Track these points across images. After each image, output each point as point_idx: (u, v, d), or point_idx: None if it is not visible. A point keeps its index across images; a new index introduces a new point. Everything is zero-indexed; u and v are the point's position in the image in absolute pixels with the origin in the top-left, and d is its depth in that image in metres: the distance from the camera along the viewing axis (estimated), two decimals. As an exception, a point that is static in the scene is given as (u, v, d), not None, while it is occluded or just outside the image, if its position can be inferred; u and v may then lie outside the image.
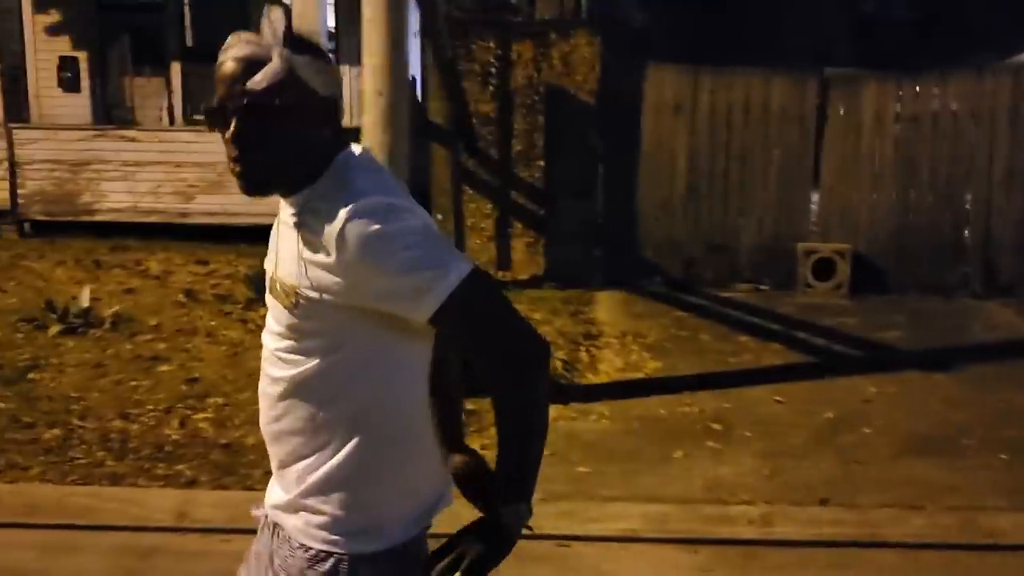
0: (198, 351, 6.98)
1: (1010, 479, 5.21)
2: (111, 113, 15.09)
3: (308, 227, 1.78)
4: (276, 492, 1.98)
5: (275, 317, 1.88)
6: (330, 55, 1.87)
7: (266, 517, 2.02)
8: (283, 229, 1.89)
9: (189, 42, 15.22)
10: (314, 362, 1.82)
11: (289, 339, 1.84)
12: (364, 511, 1.88)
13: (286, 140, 1.77)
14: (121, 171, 12.67)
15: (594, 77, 9.66)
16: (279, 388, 1.88)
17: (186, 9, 15.24)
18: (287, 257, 1.84)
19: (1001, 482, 5.17)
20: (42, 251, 11.08)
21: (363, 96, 5.86)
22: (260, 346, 1.96)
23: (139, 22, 15.30)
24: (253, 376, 2.03)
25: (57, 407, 5.88)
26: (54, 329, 7.27)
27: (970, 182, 9.73)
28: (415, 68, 21.40)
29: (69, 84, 14.86)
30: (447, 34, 8.69)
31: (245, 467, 5.03)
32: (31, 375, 6.44)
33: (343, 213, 1.71)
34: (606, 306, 9.03)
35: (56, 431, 5.51)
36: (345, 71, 14.75)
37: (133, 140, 12.78)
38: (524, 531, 1.93)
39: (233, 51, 1.76)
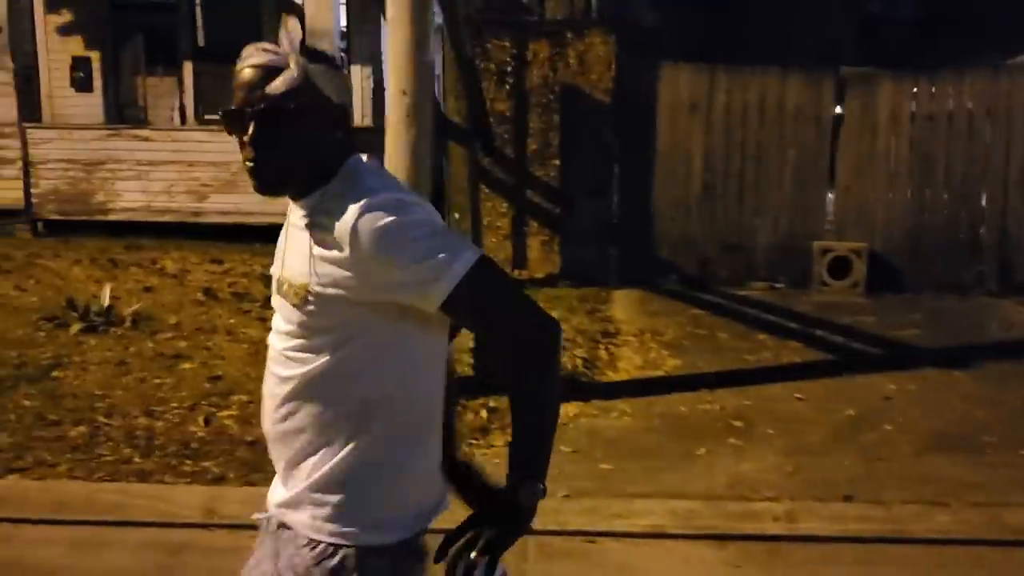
0: (219, 349, 7.01)
1: (1033, 476, 5.23)
2: (123, 113, 15.13)
3: (320, 226, 1.82)
4: (280, 491, 2.00)
5: (284, 317, 1.92)
6: (341, 65, 1.93)
7: (268, 521, 2.04)
8: (292, 232, 1.94)
9: (201, 42, 15.24)
10: (324, 359, 1.86)
11: (299, 337, 1.88)
12: (372, 504, 1.91)
13: (300, 143, 1.85)
14: (135, 170, 12.70)
15: (609, 76, 9.69)
16: (287, 387, 1.91)
17: (198, 9, 15.26)
18: (296, 257, 1.89)
19: (1024, 479, 5.19)
20: (57, 250, 11.11)
21: (387, 95, 5.86)
22: None
23: (151, 22, 15.32)
24: (275, 374, 2.05)
25: (82, 405, 5.90)
26: (75, 327, 7.30)
27: (986, 181, 9.76)
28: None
29: (81, 84, 14.90)
30: (466, 33, 8.70)
31: (272, 464, 5.04)
32: (54, 373, 6.47)
33: (355, 209, 1.77)
34: (622, 304, 9.05)
35: (82, 428, 5.53)
36: (356, 71, 14.81)
37: (147, 140, 12.81)
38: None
39: (252, 59, 1.85)
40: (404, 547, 1.93)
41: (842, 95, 9.80)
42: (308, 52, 1.85)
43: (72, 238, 11.85)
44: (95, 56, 15.00)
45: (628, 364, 7.15)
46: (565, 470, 5.22)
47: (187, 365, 6.67)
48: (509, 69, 9.72)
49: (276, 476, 2.05)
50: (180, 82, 15.10)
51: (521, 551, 4.39)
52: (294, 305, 1.87)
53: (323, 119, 1.86)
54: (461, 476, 2.07)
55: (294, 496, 1.94)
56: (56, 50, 14.84)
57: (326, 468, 1.90)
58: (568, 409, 6.10)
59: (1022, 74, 9.75)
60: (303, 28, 12.39)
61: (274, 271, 1.99)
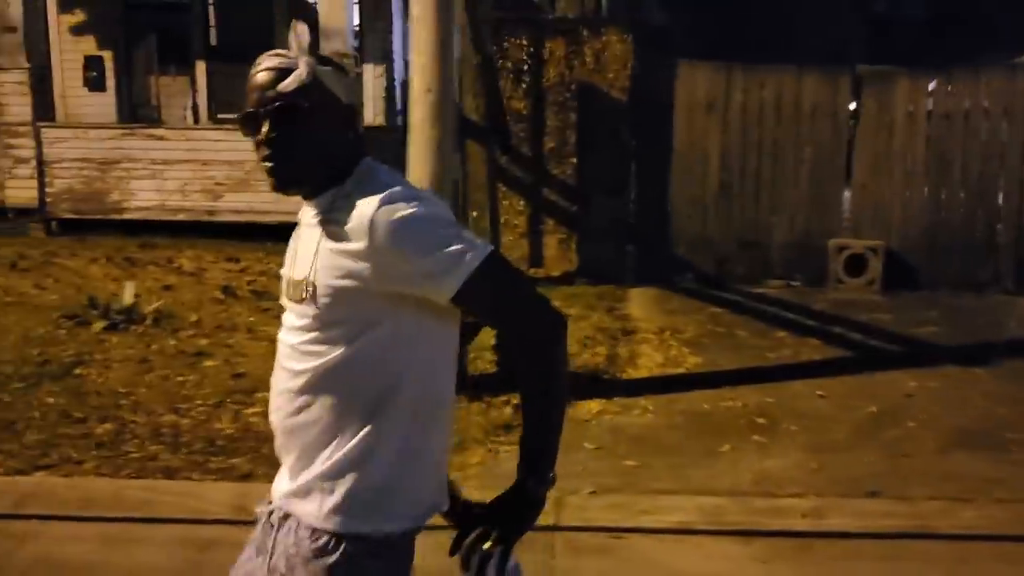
0: (240, 347, 7.04)
1: (1057, 473, 5.23)
2: (136, 112, 15.18)
3: (336, 221, 1.88)
4: (286, 482, 2.02)
5: (297, 312, 1.96)
6: (351, 66, 2.01)
7: (270, 514, 2.06)
8: (304, 231, 2.00)
9: (214, 41, 15.30)
10: (339, 351, 1.90)
11: (314, 330, 1.92)
12: (381, 493, 1.94)
13: (312, 141, 1.92)
14: (149, 169, 12.72)
15: (626, 74, 9.70)
16: (300, 381, 1.94)
17: (211, 8, 15.30)
18: (307, 254, 1.95)
19: (1048, 476, 5.19)
20: (73, 249, 11.15)
21: (411, 93, 5.89)
22: None
23: (164, 21, 15.38)
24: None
25: (107, 402, 5.93)
26: (97, 325, 7.34)
27: (1002, 179, 9.74)
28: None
29: (94, 83, 14.96)
30: (485, 32, 8.72)
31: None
32: (77, 371, 6.50)
33: (373, 202, 1.84)
34: (640, 302, 9.06)
35: (108, 425, 5.55)
36: (368, 69, 14.84)
37: (161, 139, 12.82)
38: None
39: (264, 64, 1.94)
40: (408, 537, 1.99)
41: (858, 93, 9.79)
42: (317, 55, 1.94)
43: (87, 237, 11.88)
44: (108, 56, 15.06)
45: (649, 362, 7.16)
46: (589, 467, 5.25)
47: (210, 363, 6.70)
48: (526, 67, 9.74)
49: (282, 469, 2.07)
50: (193, 81, 15.16)
51: (548, 546, 4.41)
52: (309, 298, 1.91)
53: (333, 118, 1.94)
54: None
55: (303, 485, 1.97)
56: (69, 50, 14.90)
57: (338, 457, 1.93)
58: (591, 406, 6.12)
59: (1039, 72, 9.75)
60: (316, 28, 12.42)
61: (284, 271, 2.04)
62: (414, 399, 1.94)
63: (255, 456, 5.14)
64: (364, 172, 1.96)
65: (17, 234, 12.21)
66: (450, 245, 1.84)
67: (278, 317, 2.06)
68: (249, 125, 1.94)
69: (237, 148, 12.08)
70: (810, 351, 7.54)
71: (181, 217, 12.62)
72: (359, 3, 14.83)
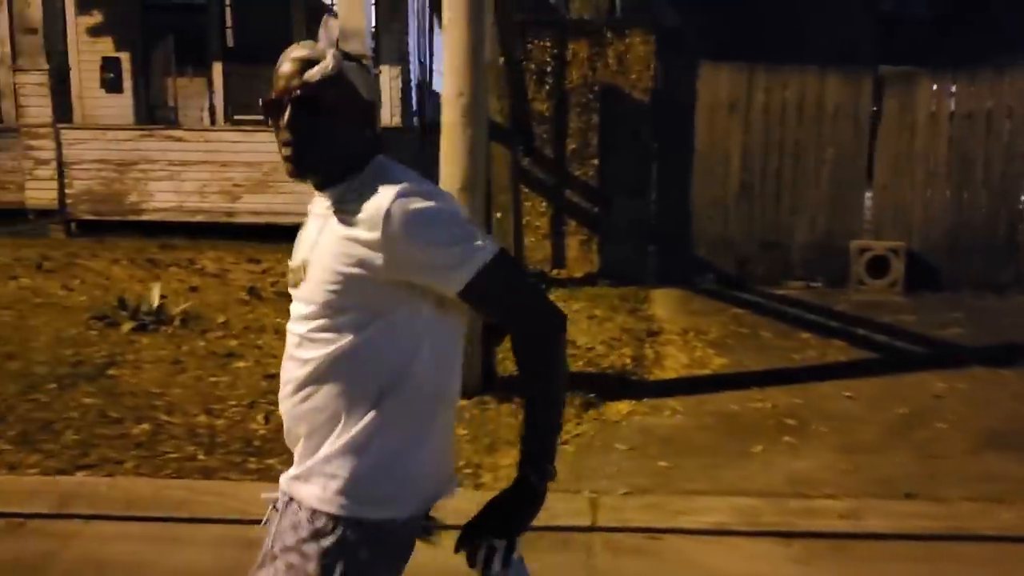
0: (270, 347, 7.06)
1: (1091, 474, 5.24)
2: (153, 113, 15.26)
3: (350, 211, 1.93)
4: (292, 468, 2.08)
5: (306, 300, 2.01)
6: (369, 67, 2.08)
7: (273, 507, 2.12)
8: (312, 221, 2.06)
9: (231, 43, 15.35)
10: (347, 339, 1.95)
11: (322, 318, 1.97)
12: (382, 478, 1.98)
13: (332, 132, 1.98)
14: (168, 171, 12.78)
15: (648, 76, 9.74)
16: (309, 368, 1.99)
17: (228, 10, 15.35)
18: (308, 240, 2.02)
19: (1082, 477, 5.20)
20: (93, 250, 11.19)
21: (443, 96, 5.92)
22: None
23: (181, 23, 15.44)
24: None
25: (141, 403, 5.96)
26: (127, 326, 7.38)
27: (1025, 180, 9.75)
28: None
29: (112, 85, 15.04)
30: (511, 33, 8.75)
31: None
32: (110, 371, 6.53)
33: (389, 193, 1.90)
34: (662, 303, 9.09)
35: (144, 426, 5.59)
36: (385, 71, 14.88)
37: (180, 140, 12.87)
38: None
39: (292, 54, 2.00)
40: (407, 526, 2.03)
41: (879, 94, 9.80)
42: (343, 51, 2.00)
43: (106, 238, 11.94)
44: (125, 57, 15.14)
45: (675, 363, 7.18)
46: (623, 467, 5.27)
47: (241, 364, 6.73)
48: (549, 69, 9.78)
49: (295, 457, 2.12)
50: (210, 83, 15.22)
51: (586, 547, 4.44)
52: (318, 286, 1.96)
53: (354, 113, 1.99)
54: None
55: (306, 468, 2.02)
56: (86, 51, 14.99)
57: (341, 443, 1.98)
58: (620, 407, 6.15)
59: (1062, 73, 9.75)
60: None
61: (293, 262, 2.08)
62: (419, 389, 1.99)
63: (291, 457, 5.14)
64: (378, 167, 2.01)
65: (38, 235, 12.27)
66: (461, 241, 1.91)
67: (302, 317, 2.08)
68: (272, 111, 1.99)
69: (255, 149, 12.14)
70: (835, 352, 7.56)
71: (200, 218, 12.67)
72: (375, 5, 14.88)
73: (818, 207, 9.91)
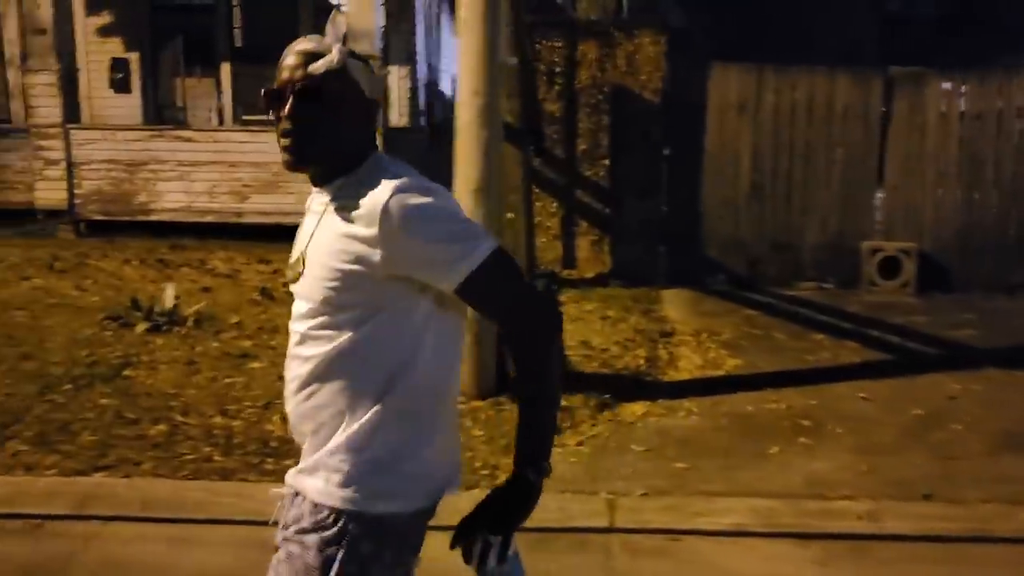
0: (284, 348, 6.87)
1: (1109, 475, 5.23)
2: (162, 113, 15.26)
3: (347, 207, 1.94)
4: (300, 462, 2.09)
5: (306, 297, 2.02)
6: (377, 67, 2.09)
7: (282, 503, 2.13)
8: (310, 219, 2.07)
9: (239, 43, 15.34)
10: (347, 335, 1.96)
11: (322, 315, 1.98)
12: (385, 472, 2.00)
13: (332, 126, 1.99)
14: (177, 171, 12.77)
15: (659, 76, 9.74)
16: (310, 366, 2.01)
17: (236, 10, 15.34)
18: (318, 238, 2.01)
19: (1101, 478, 5.19)
20: (104, 250, 11.19)
21: (459, 96, 5.92)
22: None
23: (189, 23, 15.43)
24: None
25: (157, 404, 5.96)
26: (141, 327, 7.38)
27: (1036, 180, 9.75)
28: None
29: (120, 85, 15.04)
30: (524, 34, 8.76)
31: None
32: (126, 372, 6.54)
33: (386, 189, 1.90)
34: (674, 304, 9.09)
35: (161, 427, 5.59)
36: (393, 71, 14.89)
37: (189, 140, 12.87)
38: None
39: (298, 47, 2.01)
40: (407, 519, 2.03)
41: (889, 94, 9.80)
42: (349, 48, 2.00)
43: (115, 238, 11.94)
44: (134, 57, 15.14)
45: (688, 364, 7.18)
46: (639, 468, 5.27)
47: (255, 364, 6.74)
48: (559, 70, 9.78)
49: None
50: (218, 83, 15.22)
51: (604, 548, 4.45)
52: (317, 283, 1.97)
53: (355, 108, 2.01)
54: None
55: (311, 462, 2.03)
56: (95, 51, 14.98)
57: (344, 438, 1.99)
58: (635, 408, 6.15)
59: (1072, 73, 9.74)
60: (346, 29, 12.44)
61: (292, 259, 2.09)
62: (420, 386, 2.00)
63: (309, 457, 5.16)
64: (376, 163, 2.02)
65: (47, 235, 12.28)
66: (459, 237, 1.92)
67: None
68: (274, 102, 2.00)
69: (264, 150, 12.14)
70: (849, 354, 7.55)
71: (209, 219, 12.67)
72: (384, 5, 14.87)
73: (829, 208, 9.91)
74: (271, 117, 2.01)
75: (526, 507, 2.02)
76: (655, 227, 9.94)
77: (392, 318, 1.96)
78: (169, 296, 7.78)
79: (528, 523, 4.68)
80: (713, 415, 6.14)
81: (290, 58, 1.99)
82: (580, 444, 5.59)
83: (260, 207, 12.56)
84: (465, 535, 2.02)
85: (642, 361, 7.09)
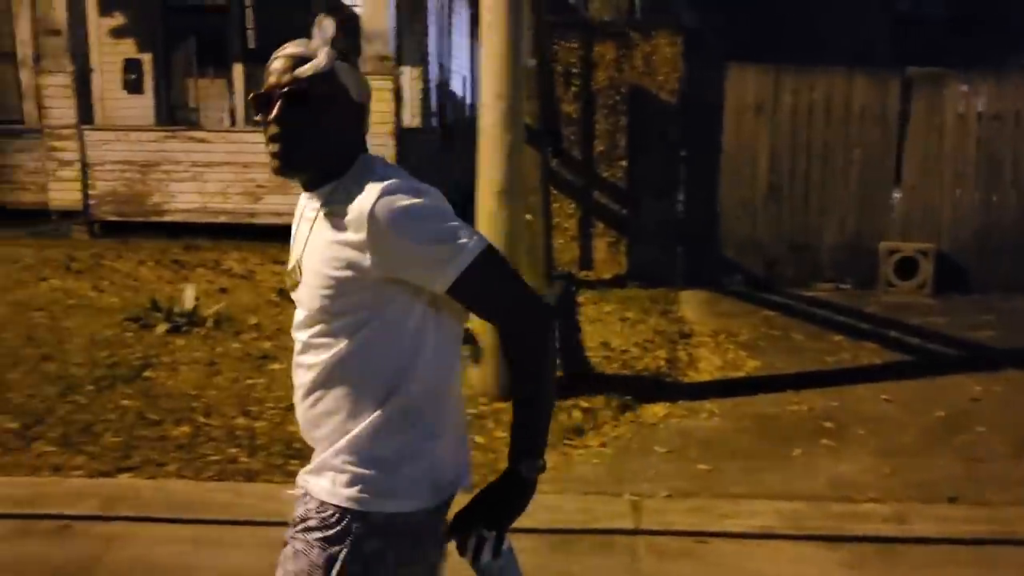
0: (303, 350, 7.05)
1: None
2: (174, 114, 15.27)
3: (337, 213, 1.94)
4: (310, 463, 2.11)
5: (304, 306, 2.03)
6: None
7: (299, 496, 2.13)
8: (303, 225, 2.06)
9: (251, 44, 15.34)
10: (344, 342, 1.97)
11: (320, 323, 1.99)
12: (389, 472, 2.00)
13: (319, 130, 1.97)
14: (190, 172, 12.77)
15: (676, 77, 9.72)
16: (313, 374, 2.02)
17: (248, 11, 15.35)
18: (311, 246, 2.00)
19: None
20: (118, 251, 11.19)
21: (481, 99, 5.91)
22: None
23: (202, 24, 15.43)
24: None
25: (179, 405, 5.97)
26: (161, 328, 7.39)
27: (1054, 180, 9.72)
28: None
29: (133, 86, 15.05)
30: (543, 35, 8.75)
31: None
32: (146, 373, 6.55)
33: (373, 192, 1.89)
34: (691, 305, 9.08)
35: (184, 428, 5.60)
36: (406, 72, 14.88)
37: (202, 141, 12.86)
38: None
39: (286, 51, 2.00)
40: (411, 518, 2.03)
41: (907, 95, 9.77)
42: (337, 51, 1.98)
43: (129, 239, 11.94)
44: (147, 58, 15.15)
45: (708, 365, 7.17)
46: (662, 470, 5.27)
47: (276, 365, 6.73)
48: (576, 71, 9.77)
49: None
50: (230, 84, 15.22)
51: (630, 549, 4.44)
52: (312, 291, 1.98)
53: (343, 112, 2.00)
54: None
55: (318, 463, 2.06)
56: (108, 52, 15.00)
57: (349, 438, 2.00)
58: (656, 410, 6.15)
59: (1090, 73, 9.72)
60: (357, 30, 12.47)
61: (289, 265, 2.10)
62: (422, 387, 2.00)
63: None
64: (363, 165, 2.01)
65: (60, 236, 12.29)
66: (448, 237, 1.90)
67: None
68: (261, 106, 1.99)
69: (276, 150, 12.10)
70: (869, 355, 7.53)
71: (223, 219, 12.66)
72: (396, 7, 14.85)
73: (846, 208, 9.89)
74: (260, 121, 2.00)
75: (520, 503, 2.03)
76: (672, 228, 9.93)
77: (388, 322, 1.96)
78: (188, 297, 7.79)
79: (552, 524, 4.68)
80: (735, 417, 6.13)
81: (277, 62, 1.98)
82: (603, 445, 5.59)
83: (273, 207, 12.54)
84: (460, 529, 2.03)
85: (662, 362, 7.09)
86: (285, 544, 2.08)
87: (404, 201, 1.87)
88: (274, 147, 1.98)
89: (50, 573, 4.14)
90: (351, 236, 1.89)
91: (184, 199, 12.76)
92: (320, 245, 1.96)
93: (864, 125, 9.78)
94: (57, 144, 12.76)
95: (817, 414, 6.17)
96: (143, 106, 15.10)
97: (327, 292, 1.94)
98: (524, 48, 5.85)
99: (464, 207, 10.35)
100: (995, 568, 4.38)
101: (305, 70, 1.94)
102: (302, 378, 2.06)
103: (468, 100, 20.44)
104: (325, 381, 2.00)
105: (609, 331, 7.91)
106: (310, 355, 2.02)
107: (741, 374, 7.04)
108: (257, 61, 14.88)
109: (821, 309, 9.02)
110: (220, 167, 12.71)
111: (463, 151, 17.76)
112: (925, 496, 4.99)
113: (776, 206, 9.94)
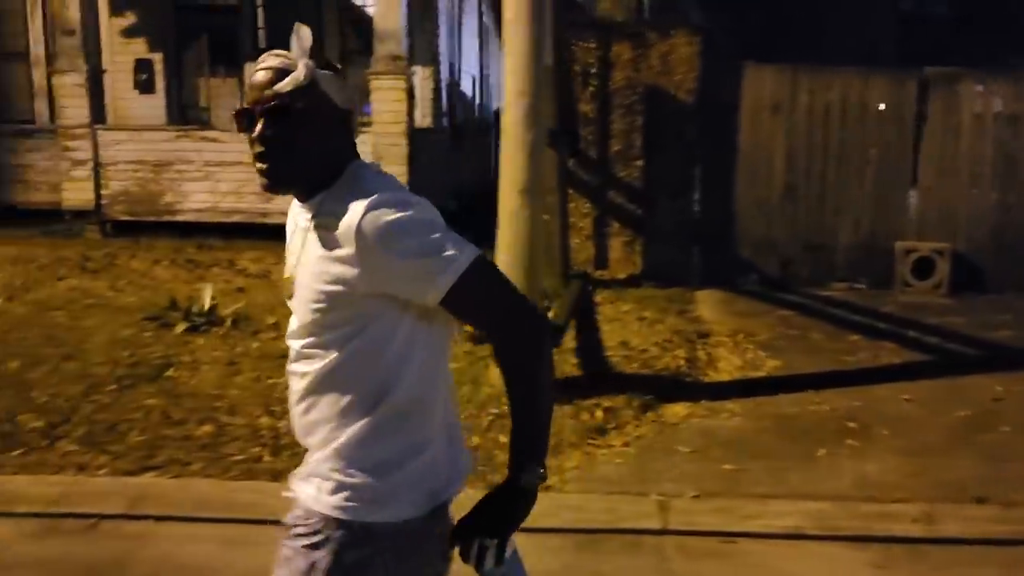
0: (323, 349, 7.05)
1: None
2: (186, 114, 15.29)
3: (326, 227, 1.91)
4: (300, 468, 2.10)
5: (297, 316, 2.02)
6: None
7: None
8: (298, 234, 2.04)
9: (263, 43, 15.35)
10: (335, 354, 1.96)
11: (311, 335, 1.98)
12: (368, 486, 1.99)
13: (305, 143, 1.94)
14: (203, 171, 12.78)
15: (692, 77, 9.72)
16: (306, 382, 2.01)
17: (260, 11, 15.37)
18: (305, 258, 1.98)
19: None
20: (132, 250, 11.21)
21: (505, 96, 5.90)
22: None
23: (213, 24, 15.45)
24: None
25: (202, 404, 5.97)
26: (180, 327, 7.39)
27: (1071, 180, 9.70)
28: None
29: (144, 85, 15.07)
30: (563, 35, 8.76)
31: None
32: (167, 372, 6.54)
33: (359, 207, 1.86)
34: (708, 305, 9.07)
35: (207, 427, 5.59)
36: (418, 71, 14.86)
37: (215, 141, 12.86)
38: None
39: (265, 63, 1.97)
40: (398, 528, 2.01)
41: (923, 95, 9.76)
42: (317, 60, 1.95)
43: (141, 238, 11.94)
44: (158, 58, 15.18)
45: (727, 365, 7.16)
46: (686, 470, 5.25)
47: (297, 365, 6.72)
48: (593, 70, 9.77)
49: None
50: (242, 83, 15.20)
51: (657, 550, 4.43)
52: (304, 304, 1.97)
53: (327, 122, 1.97)
54: None
55: (306, 469, 2.05)
56: (120, 52, 15.02)
57: (335, 445, 1.99)
58: (677, 409, 6.13)
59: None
60: (370, 29, 12.47)
61: (286, 274, 2.08)
62: (408, 397, 1.99)
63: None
64: (352, 176, 1.98)
65: (73, 236, 12.29)
66: (437, 250, 1.88)
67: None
68: (244, 122, 1.97)
69: (290, 149, 12.10)
70: (888, 355, 7.52)
71: (235, 219, 12.65)
72: (408, 5, 14.85)
73: (862, 208, 9.88)
74: (246, 136, 1.98)
75: (520, 512, 2.01)
76: (688, 227, 9.92)
77: (378, 334, 1.94)
78: (207, 296, 7.79)
79: (578, 523, 4.66)
80: (756, 416, 6.12)
81: (257, 75, 1.96)
82: (626, 445, 5.58)
83: (285, 207, 12.37)
84: (462, 537, 2.02)
85: (682, 362, 7.08)
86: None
87: (391, 216, 1.85)
88: (261, 165, 1.96)
89: (84, 571, 4.15)
90: (339, 252, 1.88)
91: (197, 199, 12.77)
92: (311, 260, 1.95)
93: (880, 125, 9.77)
94: (70, 144, 12.77)
95: (839, 414, 6.15)
96: (154, 106, 15.12)
97: (318, 306, 1.93)
98: (547, 45, 5.83)
99: (472, 207, 10.39)
100: (1025, 569, 4.38)
101: (284, 85, 1.91)
102: (295, 385, 2.06)
103: (477, 101, 20.44)
104: (316, 389, 2.00)
105: (628, 330, 7.90)
106: (303, 364, 2.01)
107: (761, 374, 7.02)
108: (268, 61, 14.92)
109: (837, 309, 9.01)
110: (233, 166, 12.69)
111: (472, 151, 17.80)
112: (952, 496, 4.98)
113: (792, 206, 9.93)
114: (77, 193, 12.79)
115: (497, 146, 9.22)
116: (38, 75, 14.59)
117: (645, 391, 6.30)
